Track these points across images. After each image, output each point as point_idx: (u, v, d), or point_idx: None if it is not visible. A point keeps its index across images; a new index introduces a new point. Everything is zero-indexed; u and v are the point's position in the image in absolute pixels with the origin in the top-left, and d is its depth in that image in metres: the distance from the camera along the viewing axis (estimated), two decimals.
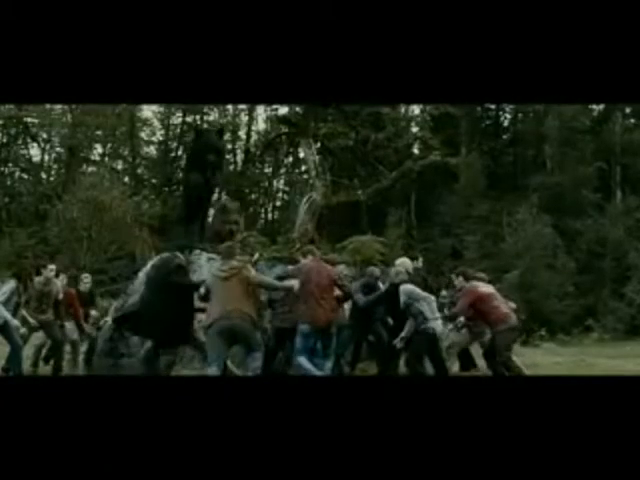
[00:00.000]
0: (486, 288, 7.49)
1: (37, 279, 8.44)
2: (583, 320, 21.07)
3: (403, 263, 8.15)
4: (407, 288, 7.41)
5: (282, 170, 33.87)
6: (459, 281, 7.84)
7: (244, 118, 33.94)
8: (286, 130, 22.51)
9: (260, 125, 34.14)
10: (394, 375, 7.64)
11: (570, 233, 23.80)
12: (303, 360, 7.05)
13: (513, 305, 7.71)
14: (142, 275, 8.75)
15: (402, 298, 7.35)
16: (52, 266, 8.69)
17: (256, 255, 8.84)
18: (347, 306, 8.17)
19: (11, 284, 8.01)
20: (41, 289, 8.34)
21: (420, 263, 8.81)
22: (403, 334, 7.34)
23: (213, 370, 6.41)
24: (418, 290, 7.46)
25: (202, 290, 6.86)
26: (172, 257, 7.22)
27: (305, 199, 13.80)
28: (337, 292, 7.27)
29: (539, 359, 11.55)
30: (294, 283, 7.04)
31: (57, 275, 8.79)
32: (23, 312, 8.16)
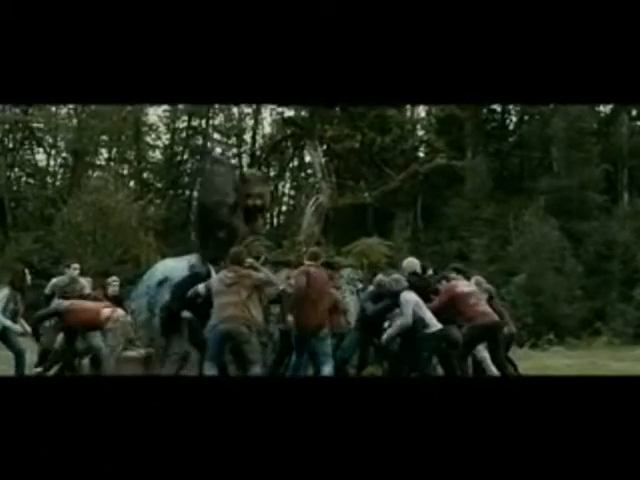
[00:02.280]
0: (465, 287, 7.41)
1: (60, 278, 8.35)
2: (592, 323, 20.96)
3: (410, 263, 8.07)
4: (411, 300, 7.28)
5: (287, 174, 33.84)
6: (442, 285, 7.75)
7: (249, 122, 33.98)
8: (292, 132, 22.45)
9: (266, 129, 34.23)
10: (396, 377, 7.50)
11: (577, 236, 23.73)
12: (293, 359, 7.33)
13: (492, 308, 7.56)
14: (146, 278, 8.70)
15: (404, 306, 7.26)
16: (76, 265, 8.59)
17: (262, 258, 8.76)
18: (354, 310, 8.09)
19: (5, 291, 7.90)
20: (64, 288, 8.23)
21: (431, 272, 8.62)
22: (391, 331, 7.29)
23: (209, 367, 6.70)
24: (421, 304, 7.30)
25: (201, 288, 7.12)
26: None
27: (311, 201, 13.68)
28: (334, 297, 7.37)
29: (549, 363, 11.46)
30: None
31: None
32: (22, 321, 8.03)
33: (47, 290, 8.41)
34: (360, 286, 8.56)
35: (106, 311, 7.53)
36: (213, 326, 6.78)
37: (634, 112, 28.49)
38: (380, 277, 8.26)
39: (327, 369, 6.95)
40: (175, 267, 8.23)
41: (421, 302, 7.29)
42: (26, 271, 8.26)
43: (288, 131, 23.98)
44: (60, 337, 7.94)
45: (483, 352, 7.55)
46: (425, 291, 7.58)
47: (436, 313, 7.32)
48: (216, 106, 31.44)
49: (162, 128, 33.97)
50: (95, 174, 28.84)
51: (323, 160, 16.06)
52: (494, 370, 7.44)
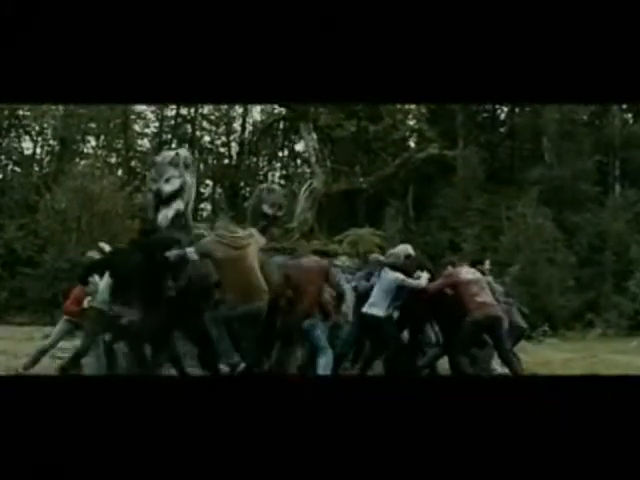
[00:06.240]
0: (469, 275, 7.13)
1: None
2: (585, 315, 20.90)
3: (404, 248, 7.93)
4: (393, 275, 7.12)
5: (278, 163, 33.63)
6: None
7: (239, 110, 33.69)
8: (284, 115, 22.17)
9: (255, 117, 34.03)
10: (395, 374, 7.27)
11: (570, 227, 23.73)
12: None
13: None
14: None
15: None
16: (107, 247, 7.81)
17: None
18: (350, 299, 7.80)
19: None
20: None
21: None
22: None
23: (224, 351, 5.88)
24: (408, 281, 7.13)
25: (191, 253, 5.97)
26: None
27: (305, 187, 13.43)
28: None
29: (550, 355, 11.33)
30: None
31: None
32: None
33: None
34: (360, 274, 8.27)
35: None
36: (234, 304, 5.83)
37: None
38: (374, 255, 8.24)
39: (323, 360, 6.63)
40: None
41: (391, 283, 7.08)
42: None
43: (278, 114, 23.74)
44: None
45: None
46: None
47: (434, 295, 7.09)
48: None
49: (150, 116, 33.91)
50: (82, 162, 28.42)
51: (317, 144, 15.80)
52: (496, 367, 7.28)
